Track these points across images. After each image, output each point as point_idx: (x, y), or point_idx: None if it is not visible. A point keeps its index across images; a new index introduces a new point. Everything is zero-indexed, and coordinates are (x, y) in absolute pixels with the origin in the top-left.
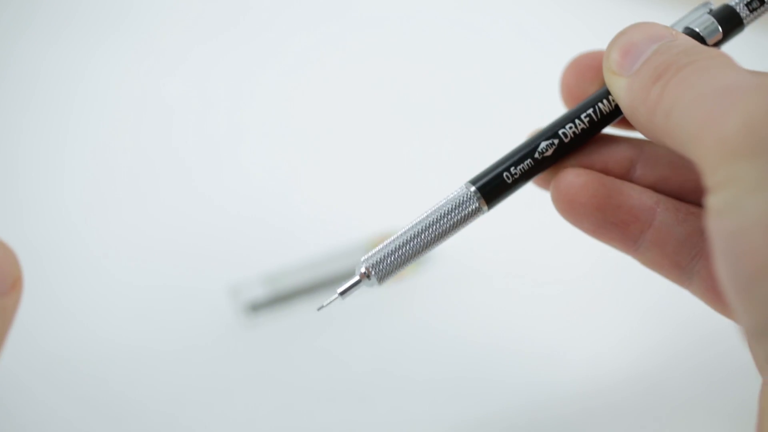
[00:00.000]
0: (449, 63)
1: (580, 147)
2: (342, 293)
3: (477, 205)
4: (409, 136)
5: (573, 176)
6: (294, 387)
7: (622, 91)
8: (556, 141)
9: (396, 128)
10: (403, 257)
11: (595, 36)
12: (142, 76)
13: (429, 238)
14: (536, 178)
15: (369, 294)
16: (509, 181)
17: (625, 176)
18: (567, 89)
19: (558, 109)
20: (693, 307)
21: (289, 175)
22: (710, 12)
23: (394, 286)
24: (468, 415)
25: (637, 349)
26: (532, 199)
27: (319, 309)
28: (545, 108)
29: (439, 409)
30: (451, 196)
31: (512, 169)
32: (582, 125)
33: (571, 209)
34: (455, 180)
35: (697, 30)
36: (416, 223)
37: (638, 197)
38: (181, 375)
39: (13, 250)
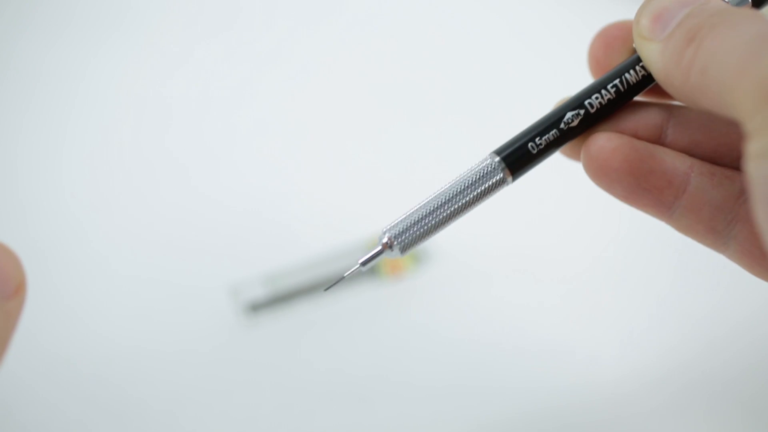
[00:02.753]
0: (449, 61)
1: (607, 117)
2: (363, 263)
3: (502, 175)
4: (410, 135)
5: (604, 140)
6: (294, 387)
7: (654, 54)
8: (582, 111)
9: (396, 127)
10: (426, 228)
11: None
12: (143, 76)
13: (453, 209)
14: (565, 148)
15: (369, 294)
16: (534, 152)
17: (656, 142)
18: (595, 60)
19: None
20: (697, 306)
21: (290, 174)
22: None
23: (394, 286)
24: (468, 415)
25: (643, 348)
26: (530, 195)
27: (331, 286)
28: (548, 106)
29: (439, 409)
30: (476, 166)
31: (537, 139)
32: (608, 95)
33: (603, 174)
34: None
35: (726, 2)
36: (440, 194)
37: (671, 162)
38: (182, 374)
39: (16, 254)
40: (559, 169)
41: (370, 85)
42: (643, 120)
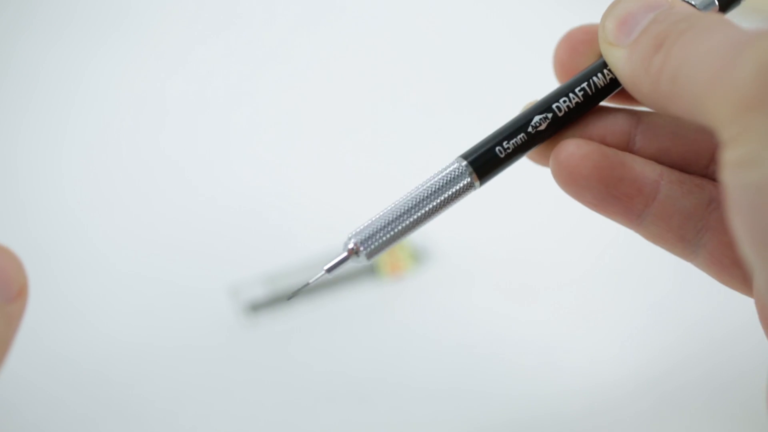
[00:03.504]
0: (446, 62)
1: (575, 121)
2: (329, 270)
3: (469, 180)
4: (410, 136)
5: (574, 147)
6: (293, 387)
7: (620, 61)
8: (549, 115)
9: (396, 129)
10: (393, 234)
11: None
12: (143, 76)
13: (420, 214)
14: (533, 154)
15: (369, 294)
16: (502, 156)
17: (625, 149)
18: (560, 64)
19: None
20: (694, 309)
21: (290, 175)
22: None
23: (394, 286)
24: (467, 416)
25: (640, 351)
26: (530, 197)
27: (294, 294)
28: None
29: (438, 409)
30: (443, 171)
31: (505, 143)
32: (576, 99)
33: (572, 182)
34: None
35: (693, 3)
36: (407, 199)
37: (641, 169)
38: (182, 374)
39: (18, 257)
40: None
41: (369, 86)
42: (611, 126)
